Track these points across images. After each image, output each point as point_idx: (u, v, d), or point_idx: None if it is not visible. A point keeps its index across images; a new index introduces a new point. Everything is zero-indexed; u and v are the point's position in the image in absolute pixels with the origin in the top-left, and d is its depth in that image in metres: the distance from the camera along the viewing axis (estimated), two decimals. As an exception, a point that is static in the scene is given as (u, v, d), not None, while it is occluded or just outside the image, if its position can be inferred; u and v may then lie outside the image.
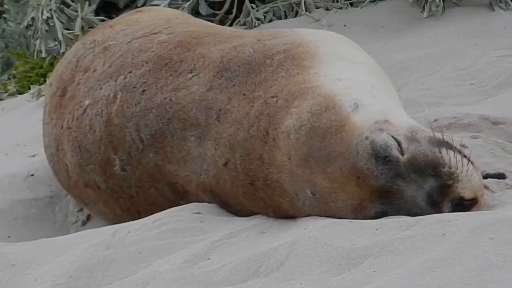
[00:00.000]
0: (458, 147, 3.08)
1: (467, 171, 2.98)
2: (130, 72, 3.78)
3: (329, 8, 6.57)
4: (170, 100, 3.61)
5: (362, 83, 3.30)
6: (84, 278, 3.35)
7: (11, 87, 7.90)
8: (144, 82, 3.71)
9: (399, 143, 3.06)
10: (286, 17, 6.61)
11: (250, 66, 3.48)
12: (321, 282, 2.82)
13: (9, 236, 4.48)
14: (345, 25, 6.29)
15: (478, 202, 3.02)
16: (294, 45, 3.51)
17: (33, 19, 6.58)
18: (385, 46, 5.78)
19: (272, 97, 3.33)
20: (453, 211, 2.97)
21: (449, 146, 3.04)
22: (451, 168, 2.98)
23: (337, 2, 6.63)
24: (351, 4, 6.59)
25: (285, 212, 3.34)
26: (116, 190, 3.90)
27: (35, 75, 7.83)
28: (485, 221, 2.87)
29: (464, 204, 2.98)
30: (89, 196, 4.09)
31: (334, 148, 3.10)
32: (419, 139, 3.08)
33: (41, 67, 7.75)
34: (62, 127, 4.08)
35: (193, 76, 3.61)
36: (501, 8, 5.89)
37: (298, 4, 6.60)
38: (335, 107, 3.18)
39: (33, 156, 5.18)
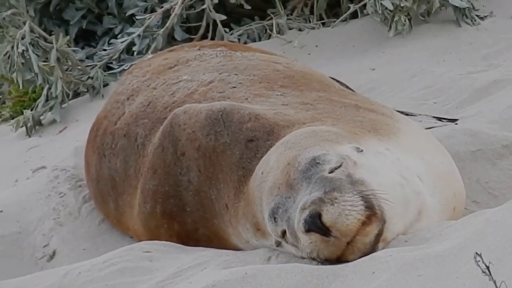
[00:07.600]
0: (380, 213, 3.06)
1: (347, 210, 2.98)
2: (236, 74, 4.10)
3: (302, 29, 6.57)
4: (247, 99, 3.87)
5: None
6: (34, 322, 3.38)
7: (5, 112, 7.92)
8: (240, 83, 4.02)
9: (338, 167, 3.14)
10: (260, 39, 6.63)
11: (334, 115, 3.62)
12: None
13: (-25, 276, 4.51)
14: (316, 46, 6.30)
15: (331, 237, 2.99)
16: (383, 122, 3.60)
17: (12, 48, 6.60)
18: (352, 66, 5.78)
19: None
20: (305, 221, 2.99)
21: (366, 199, 3.04)
22: (341, 196, 3.01)
23: (310, 22, 6.63)
24: (323, 24, 6.59)
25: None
26: None
27: (28, 99, 7.84)
28: (413, 257, 2.88)
29: (316, 223, 2.98)
30: None
31: (305, 143, 3.27)
32: (355, 183, 3.10)
33: (34, 91, 7.76)
34: None
35: (280, 94, 3.87)
36: (468, 23, 5.86)
37: (272, 26, 6.61)
38: (346, 137, 3.33)
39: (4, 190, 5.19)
